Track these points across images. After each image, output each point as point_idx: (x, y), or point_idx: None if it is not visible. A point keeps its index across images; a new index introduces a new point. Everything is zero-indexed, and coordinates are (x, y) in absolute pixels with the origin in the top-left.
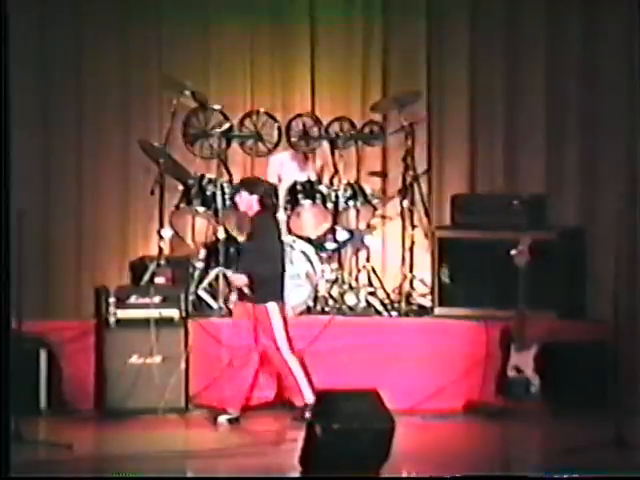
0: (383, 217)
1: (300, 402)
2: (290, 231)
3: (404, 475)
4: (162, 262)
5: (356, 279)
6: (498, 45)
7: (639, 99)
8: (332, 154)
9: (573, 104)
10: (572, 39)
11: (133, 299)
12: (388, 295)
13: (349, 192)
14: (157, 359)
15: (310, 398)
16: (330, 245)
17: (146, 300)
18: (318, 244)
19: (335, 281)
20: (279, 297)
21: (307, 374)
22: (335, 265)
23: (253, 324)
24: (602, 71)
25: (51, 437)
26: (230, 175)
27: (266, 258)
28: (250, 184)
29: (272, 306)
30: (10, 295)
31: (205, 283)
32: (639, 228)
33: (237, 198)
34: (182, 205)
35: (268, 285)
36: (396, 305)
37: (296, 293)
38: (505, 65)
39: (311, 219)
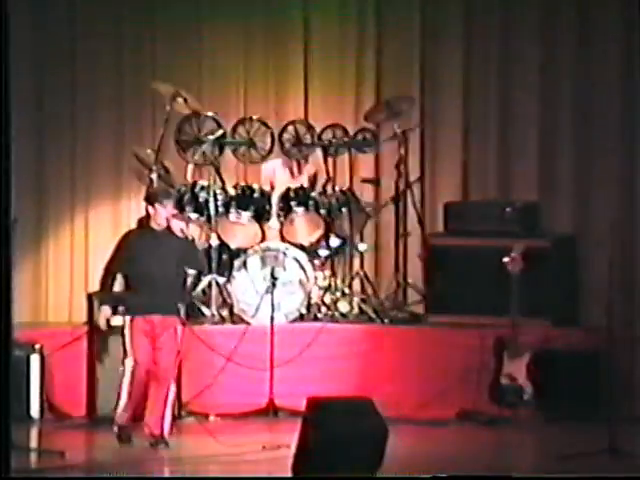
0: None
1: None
2: (283, 238)
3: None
4: None
5: (349, 286)
6: (492, 51)
7: (633, 107)
8: (325, 161)
9: (567, 112)
10: (567, 46)
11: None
12: (381, 302)
13: (342, 199)
14: None
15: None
16: (323, 252)
17: None
18: (311, 251)
19: (328, 288)
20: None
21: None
22: (328, 272)
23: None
24: (597, 79)
25: (43, 444)
26: (223, 182)
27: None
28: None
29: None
30: (10, 301)
31: (198, 290)
32: (633, 236)
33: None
34: (175, 212)
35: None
36: (389, 312)
37: (289, 300)
38: (499, 72)
39: (304, 226)
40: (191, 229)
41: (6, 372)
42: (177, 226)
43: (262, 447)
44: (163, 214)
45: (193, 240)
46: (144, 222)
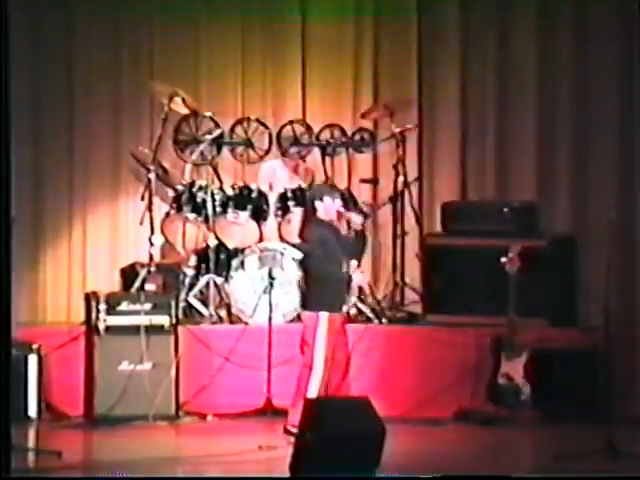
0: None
1: None
2: (281, 238)
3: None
4: (152, 269)
5: None
6: (490, 52)
7: (631, 107)
8: (323, 161)
9: (565, 111)
10: (565, 47)
11: (123, 306)
12: (379, 302)
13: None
14: (147, 366)
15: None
16: None
17: (136, 307)
18: None
19: None
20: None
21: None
22: None
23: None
24: (594, 79)
25: (40, 444)
26: (221, 182)
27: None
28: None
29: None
30: (10, 301)
31: (195, 290)
32: (630, 235)
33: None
34: (173, 212)
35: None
36: (387, 312)
37: (286, 300)
38: (496, 73)
39: None
40: (188, 229)
41: (6, 372)
42: (356, 219)
43: (258, 447)
44: (333, 207)
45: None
46: (309, 216)
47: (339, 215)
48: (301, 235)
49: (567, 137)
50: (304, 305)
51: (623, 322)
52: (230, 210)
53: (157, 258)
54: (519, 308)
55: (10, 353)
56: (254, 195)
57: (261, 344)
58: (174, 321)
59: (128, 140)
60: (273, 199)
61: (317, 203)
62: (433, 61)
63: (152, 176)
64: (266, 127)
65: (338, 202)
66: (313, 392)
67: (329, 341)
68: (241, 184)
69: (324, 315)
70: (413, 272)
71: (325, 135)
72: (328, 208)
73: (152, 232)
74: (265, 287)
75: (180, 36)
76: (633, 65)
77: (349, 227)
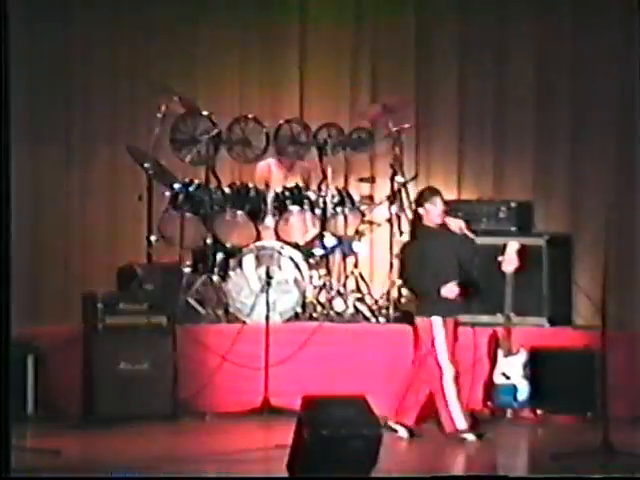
0: (371, 223)
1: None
2: (278, 237)
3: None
4: (150, 268)
5: (344, 285)
6: (487, 52)
7: (630, 106)
8: (320, 160)
9: (562, 111)
10: (564, 45)
11: (121, 305)
12: (376, 301)
13: (337, 198)
14: (145, 365)
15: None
16: (318, 251)
17: (134, 306)
18: (306, 250)
19: (323, 287)
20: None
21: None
22: (323, 271)
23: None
24: (592, 79)
25: (39, 443)
26: (218, 181)
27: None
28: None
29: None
30: (10, 302)
31: (193, 289)
32: (627, 235)
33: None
34: (170, 211)
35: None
36: (384, 311)
37: (284, 299)
38: (494, 72)
39: (299, 225)
40: (186, 228)
41: (5, 372)
42: (454, 224)
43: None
44: (435, 212)
45: (472, 239)
46: (415, 223)
47: (443, 219)
48: (408, 243)
49: (564, 137)
50: (417, 310)
51: (619, 321)
52: (227, 209)
53: (155, 257)
54: (516, 307)
55: (8, 354)
56: (251, 194)
57: (259, 343)
58: (172, 320)
59: (125, 139)
60: (270, 197)
61: (420, 210)
62: (431, 60)
63: (150, 175)
64: (263, 126)
65: (440, 205)
66: (451, 393)
67: (448, 343)
68: (238, 183)
69: (437, 320)
70: None
71: (322, 134)
72: (431, 214)
73: (150, 231)
74: (262, 286)
75: (178, 35)
76: (632, 64)
77: (461, 230)
